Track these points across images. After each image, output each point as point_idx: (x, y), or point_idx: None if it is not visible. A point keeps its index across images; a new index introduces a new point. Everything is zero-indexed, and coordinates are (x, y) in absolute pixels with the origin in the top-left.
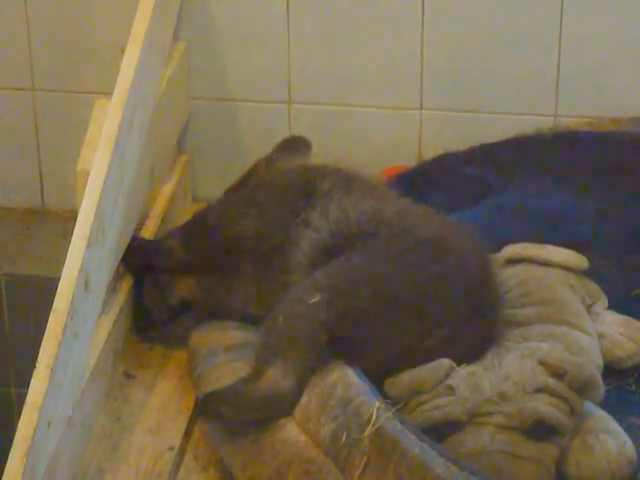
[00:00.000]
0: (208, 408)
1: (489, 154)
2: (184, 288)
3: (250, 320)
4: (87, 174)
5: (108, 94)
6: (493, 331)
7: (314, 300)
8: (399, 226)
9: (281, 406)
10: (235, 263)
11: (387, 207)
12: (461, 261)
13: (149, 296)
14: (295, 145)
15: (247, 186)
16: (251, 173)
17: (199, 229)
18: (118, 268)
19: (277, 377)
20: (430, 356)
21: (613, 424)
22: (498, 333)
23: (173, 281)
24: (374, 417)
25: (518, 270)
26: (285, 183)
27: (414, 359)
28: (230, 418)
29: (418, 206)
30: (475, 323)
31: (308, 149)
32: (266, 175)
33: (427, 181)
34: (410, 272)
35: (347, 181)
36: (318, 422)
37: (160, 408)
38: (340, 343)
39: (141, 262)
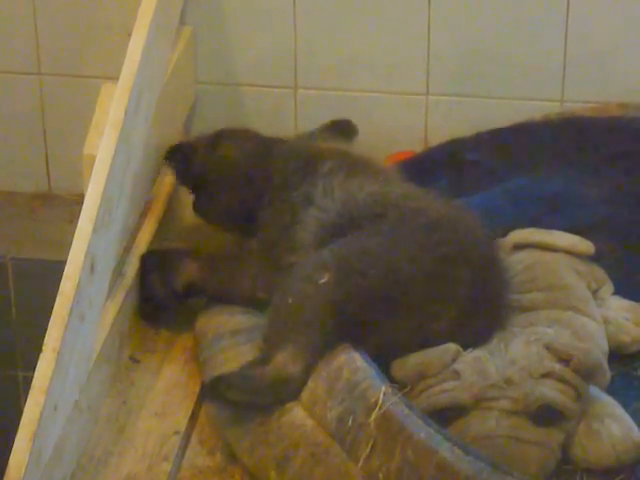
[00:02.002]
0: (214, 392)
1: (495, 140)
2: (189, 272)
3: (256, 304)
4: (93, 158)
5: (114, 78)
6: (500, 315)
7: (323, 280)
8: (407, 208)
9: (289, 391)
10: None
11: (394, 190)
12: (469, 245)
13: (154, 281)
14: (340, 128)
15: None
16: None
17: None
18: (124, 252)
19: (286, 362)
20: (437, 339)
21: (619, 409)
22: (505, 318)
23: (178, 265)
24: (380, 401)
25: (524, 255)
26: (284, 157)
27: (421, 342)
28: (237, 402)
29: (424, 190)
30: (482, 307)
31: (353, 134)
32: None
33: (433, 167)
34: (418, 254)
35: (351, 163)
36: (324, 406)
37: (166, 392)
38: (348, 324)
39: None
